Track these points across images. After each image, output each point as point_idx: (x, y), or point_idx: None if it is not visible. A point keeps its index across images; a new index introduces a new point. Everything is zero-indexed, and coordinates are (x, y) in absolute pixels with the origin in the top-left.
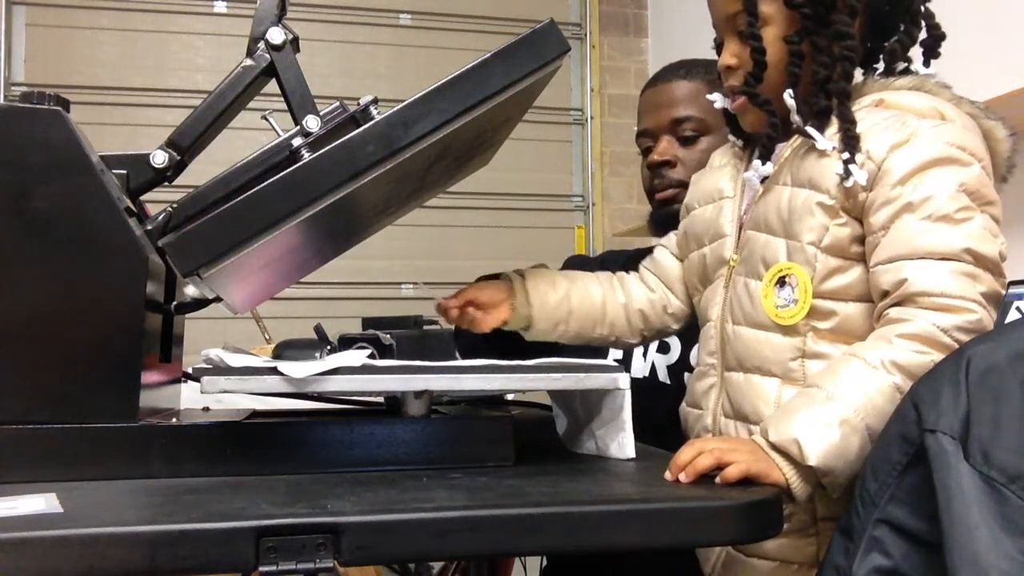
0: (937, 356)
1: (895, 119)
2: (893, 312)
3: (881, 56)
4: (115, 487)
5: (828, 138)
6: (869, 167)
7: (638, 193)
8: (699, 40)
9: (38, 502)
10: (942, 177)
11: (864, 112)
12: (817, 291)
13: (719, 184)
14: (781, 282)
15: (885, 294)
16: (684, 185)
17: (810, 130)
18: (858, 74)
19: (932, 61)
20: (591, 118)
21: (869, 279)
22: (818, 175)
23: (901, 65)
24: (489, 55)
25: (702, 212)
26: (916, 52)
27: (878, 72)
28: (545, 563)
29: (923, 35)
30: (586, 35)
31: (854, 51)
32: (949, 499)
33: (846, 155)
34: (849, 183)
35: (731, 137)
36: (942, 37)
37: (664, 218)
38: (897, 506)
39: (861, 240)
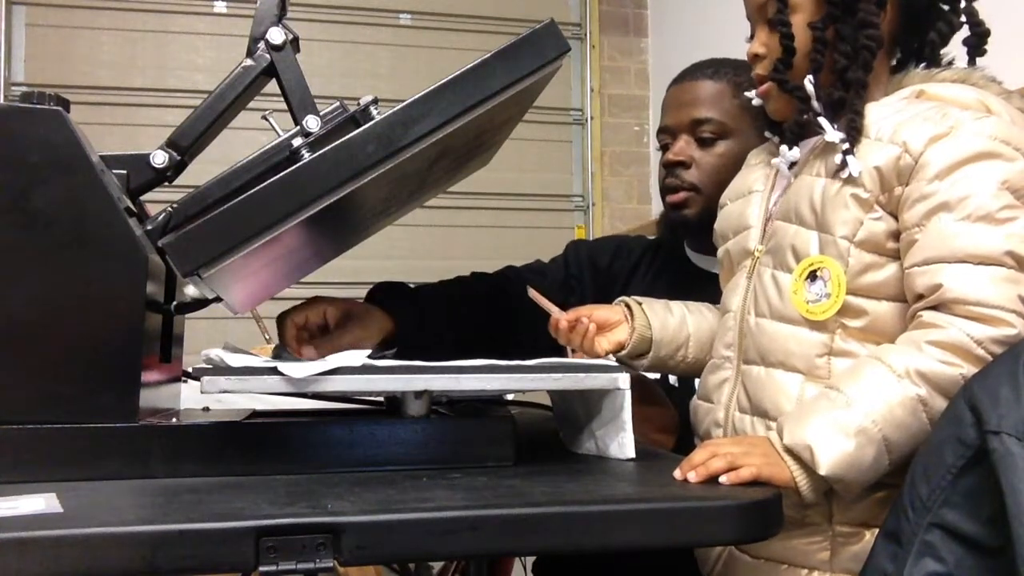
0: (966, 368)
1: (935, 110)
2: (927, 316)
3: (923, 50)
4: (115, 487)
5: (839, 130)
6: (906, 160)
7: (638, 193)
8: (699, 40)
9: (38, 502)
10: (983, 173)
11: (903, 103)
12: (849, 287)
13: (750, 180)
14: (812, 276)
15: (919, 297)
16: (696, 189)
17: (821, 121)
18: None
19: (977, 60)
20: (591, 118)
21: (904, 280)
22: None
23: (946, 60)
24: (489, 55)
25: (731, 208)
26: (962, 53)
27: (921, 65)
28: (535, 560)
29: (966, 33)
30: (586, 35)
31: (875, 40)
32: (1019, 502)
33: (845, 146)
34: (844, 175)
35: (768, 134)
36: (986, 34)
37: (672, 223)
38: (952, 510)
39: (898, 236)
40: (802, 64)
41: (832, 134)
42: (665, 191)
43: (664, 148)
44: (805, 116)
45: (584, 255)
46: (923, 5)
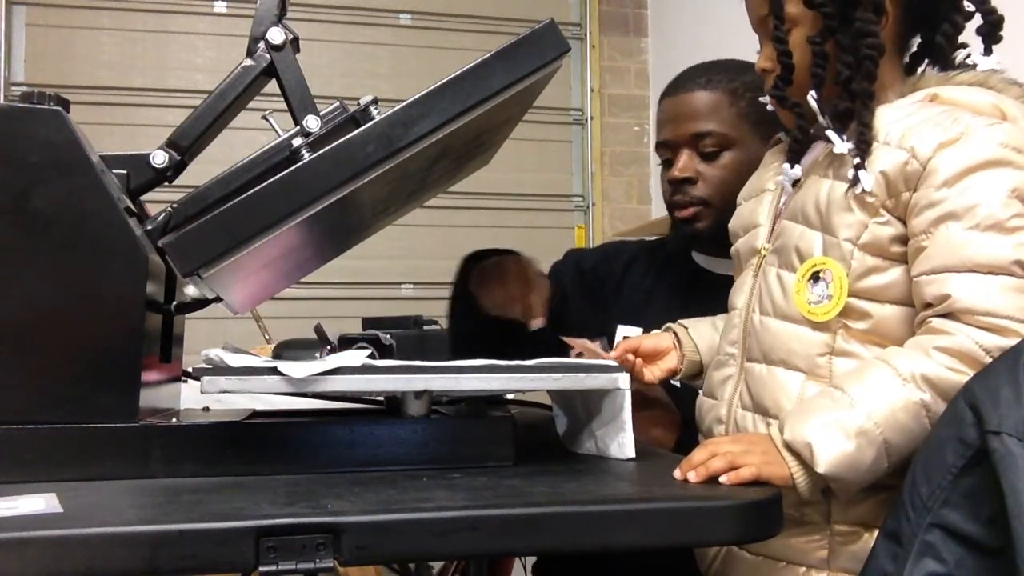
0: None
1: (946, 115)
2: (936, 322)
3: (935, 50)
4: (115, 487)
5: (848, 140)
6: (913, 165)
7: (638, 193)
8: (699, 40)
9: (38, 502)
10: (992, 181)
11: (915, 106)
12: (852, 290)
13: (764, 179)
14: (815, 277)
15: (928, 305)
16: (705, 203)
17: (830, 134)
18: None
19: (994, 48)
20: (591, 118)
21: (912, 288)
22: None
23: (961, 55)
24: (489, 55)
25: (744, 207)
26: (978, 43)
27: (936, 67)
28: (535, 560)
29: (979, 23)
30: (586, 35)
31: (876, 48)
32: (1019, 502)
33: (857, 160)
34: (857, 190)
35: (783, 136)
36: (999, 21)
37: (685, 236)
38: (952, 510)
39: (904, 240)
40: (803, 79)
41: (841, 145)
42: (673, 207)
43: (666, 163)
44: (812, 131)
45: (571, 261)
46: (925, 5)
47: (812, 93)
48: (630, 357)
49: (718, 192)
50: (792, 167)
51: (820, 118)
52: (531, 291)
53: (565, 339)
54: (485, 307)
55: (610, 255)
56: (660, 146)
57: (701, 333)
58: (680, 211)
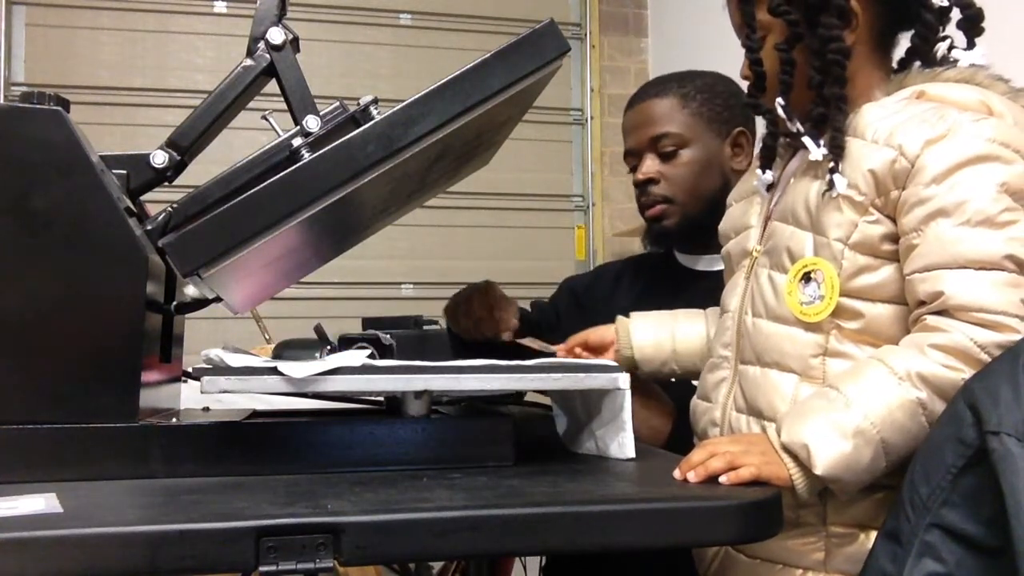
0: (968, 373)
1: (933, 112)
2: (931, 319)
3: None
4: (115, 487)
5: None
6: (901, 163)
7: None
8: (699, 40)
9: (38, 502)
10: (980, 176)
11: (901, 104)
12: (843, 289)
13: (755, 182)
14: (806, 278)
15: (921, 303)
16: (670, 200)
17: (806, 140)
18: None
19: (977, 41)
20: (591, 118)
21: (905, 286)
22: (848, 170)
23: (943, 47)
24: (489, 55)
25: (734, 209)
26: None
27: (918, 65)
28: (544, 562)
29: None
30: (586, 35)
31: (842, 53)
32: (1019, 502)
33: (831, 164)
34: (833, 194)
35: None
36: (978, 14)
37: (656, 234)
38: (952, 510)
39: (894, 239)
40: (776, 85)
41: (816, 152)
42: (642, 209)
43: (633, 170)
44: (789, 140)
45: (566, 287)
46: (896, 6)
47: (779, 100)
48: (576, 350)
49: (680, 188)
50: (764, 172)
51: (788, 124)
52: (496, 309)
53: (517, 341)
54: (459, 334)
55: (601, 275)
56: (626, 156)
57: (637, 331)
58: (648, 211)
